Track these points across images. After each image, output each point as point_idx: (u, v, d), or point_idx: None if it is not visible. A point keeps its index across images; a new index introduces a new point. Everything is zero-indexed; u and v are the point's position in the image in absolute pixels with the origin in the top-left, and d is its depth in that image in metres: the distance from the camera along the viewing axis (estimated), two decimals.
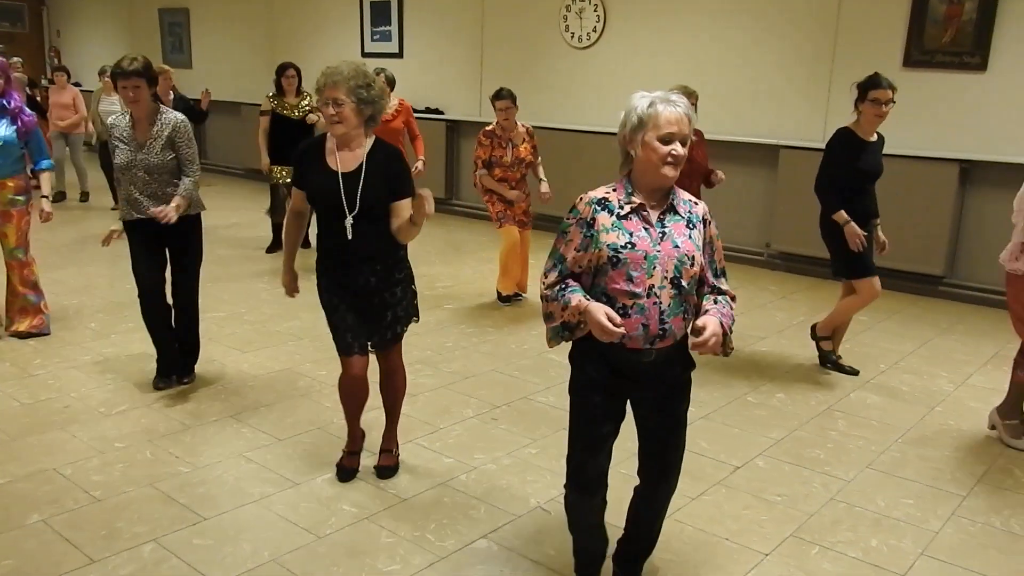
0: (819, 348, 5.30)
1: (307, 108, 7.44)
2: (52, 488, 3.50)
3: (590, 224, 2.49)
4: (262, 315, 5.98)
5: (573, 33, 9.06)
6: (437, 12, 10.33)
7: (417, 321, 3.65)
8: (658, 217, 2.50)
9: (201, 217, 4.54)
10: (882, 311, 6.54)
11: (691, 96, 5.42)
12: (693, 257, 2.50)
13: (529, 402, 4.58)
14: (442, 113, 10.38)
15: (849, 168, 4.83)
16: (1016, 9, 6.56)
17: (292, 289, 3.77)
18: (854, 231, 4.78)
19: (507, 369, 5.08)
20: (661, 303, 2.46)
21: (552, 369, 5.04)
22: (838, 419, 4.49)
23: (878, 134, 4.94)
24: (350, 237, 3.33)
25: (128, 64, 4.14)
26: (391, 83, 6.89)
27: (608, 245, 2.45)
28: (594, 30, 8.88)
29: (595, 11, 8.83)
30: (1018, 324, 4.23)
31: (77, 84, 11.88)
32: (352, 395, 3.59)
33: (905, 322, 6.36)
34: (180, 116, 4.37)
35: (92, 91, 10.47)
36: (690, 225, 2.53)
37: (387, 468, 3.71)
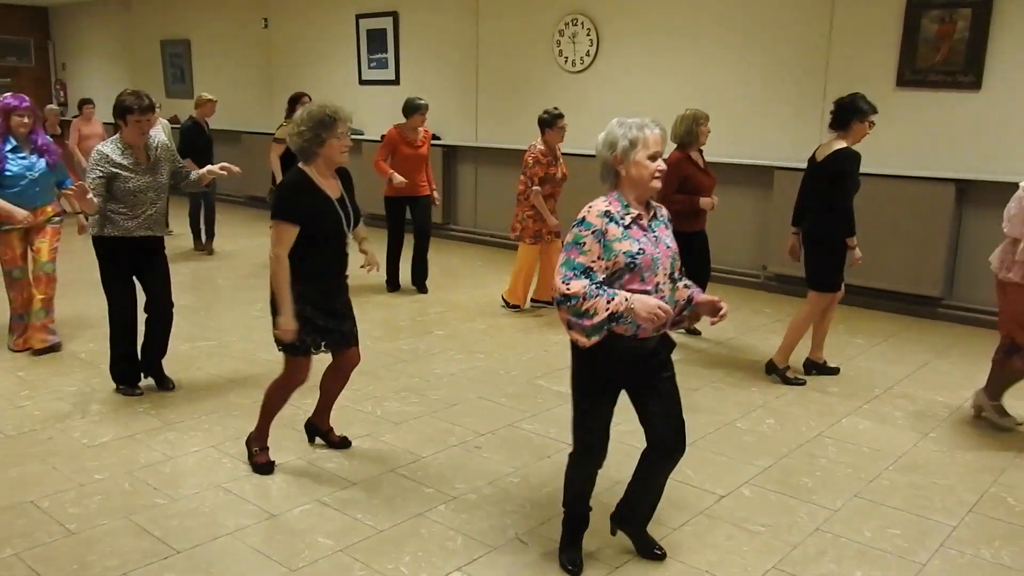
0: (784, 378, 5.32)
1: None
2: (27, 521, 3.47)
3: (603, 234, 2.83)
4: (252, 343, 5.95)
5: (567, 57, 9.08)
6: (432, 39, 10.39)
7: None
8: (648, 223, 2.92)
9: None
10: (878, 334, 6.47)
11: (705, 119, 5.87)
12: (678, 254, 3.03)
13: (514, 430, 4.53)
14: (439, 139, 10.39)
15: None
16: (1009, 27, 6.51)
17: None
18: (857, 255, 5.20)
19: (493, 396, 5.03)
20: (664, 296, 2.92)
21: (539, 396, 4.99)
22: (828, 446, 4.41)
23: None
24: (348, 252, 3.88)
25: (146, 100, 4.63)
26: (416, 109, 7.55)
27: (624, 253, 2.83)
28: (587, 54, 8.90)
29: (588, 35, 8.85)
30: (1007, 325, 4.49)
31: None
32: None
33: (901, 345, 6.28)
34: (161, 136, 4.97)
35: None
36: (667, 226, 3.03)
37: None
